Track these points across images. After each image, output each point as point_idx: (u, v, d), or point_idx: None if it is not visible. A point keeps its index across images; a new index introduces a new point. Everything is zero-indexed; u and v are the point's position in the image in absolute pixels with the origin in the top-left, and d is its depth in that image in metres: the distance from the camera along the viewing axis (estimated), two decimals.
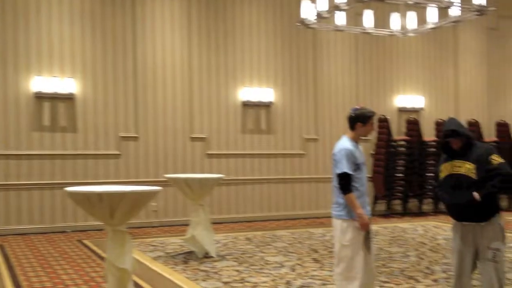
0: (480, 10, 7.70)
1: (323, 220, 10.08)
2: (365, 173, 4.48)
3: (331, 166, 11.26)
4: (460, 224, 4.36)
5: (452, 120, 4.47)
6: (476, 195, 4.12)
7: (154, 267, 6.37)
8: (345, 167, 4.27)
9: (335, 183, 4.39)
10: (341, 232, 4.35)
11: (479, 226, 4.25)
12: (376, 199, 10.82)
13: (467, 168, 4.23)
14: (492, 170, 4.14)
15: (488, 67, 12.51)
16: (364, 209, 4.34)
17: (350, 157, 4.29)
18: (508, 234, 8.43)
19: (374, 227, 4.89)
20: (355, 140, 4.43)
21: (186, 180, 6.94)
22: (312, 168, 10.81)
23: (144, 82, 9.67)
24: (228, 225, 9.66)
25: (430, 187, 10.64)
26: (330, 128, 10.94)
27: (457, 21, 8.36)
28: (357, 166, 4.34)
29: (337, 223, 4.39)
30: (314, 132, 10.89)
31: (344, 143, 4.38)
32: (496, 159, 4.22)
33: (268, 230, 9.16)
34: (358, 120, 4.41)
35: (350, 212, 4.32)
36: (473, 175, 4.18)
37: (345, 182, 4.27)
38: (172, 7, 9.89)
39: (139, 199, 4.33)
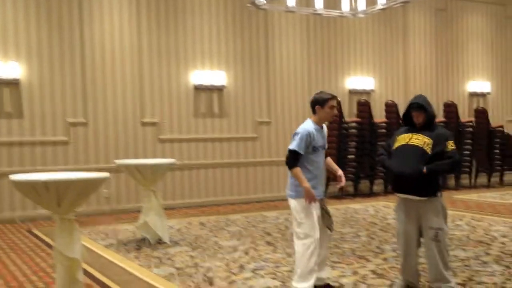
0: None
1: (277, 203, 10.15)
2: (323, 158, 4.55)
3: (284, 148, 11.29)
4: (404, 202, 4.46)
5: (421, 96, 4.60)
6: (430, 166, 4.24)
7: (105, 255, 6.26)
8: (297, 146, 4.36)
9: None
10: (295, 210, 4.46)
11: (421, 203, 4.35)
12: (328, 181, 10.92)
13: (424, 142, 4.34)
14: (446, 153, 4.30)
15: (437, 48, 12.76)
16: (315, 189, 4.39)
17: (307, 138, 4.37)
18: (454, 212, 8.74)
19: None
20: (318, 123, 4.51)
21: (137, 166, 6.82)
22: (265, 151, 10.83)
23: (92, 65, 9.43)
24: (181, 211, 9.59)
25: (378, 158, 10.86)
26: (282, 111, 10.97)
27: (405, 2, 8.48)
28: (314, 149, 4.42)
29: (291, 203, 4.51)
30: (267, 115, 10.89)
31: (307, 124, 4.48)
32: (452, 145, 4.37)
33: (221, 214, 9.15)
34: (317, 103, 4.50)
35: (299, 192, 4.41)
36: (428, 149, 4.30)
37: (292, 159, 4.37)
38: None
39: (87, 187, 4.22)
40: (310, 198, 4.33)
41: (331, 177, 10.82)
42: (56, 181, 4.05)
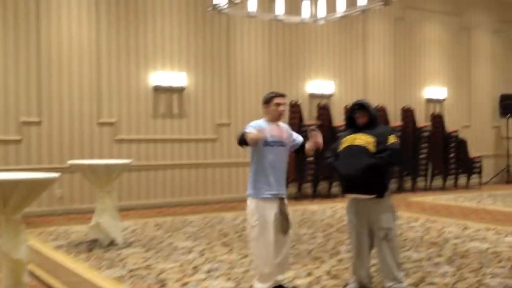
0: (385, 0, 7.91)
1: (235, 204, 10.10)
2: (281, 156, 4.48)
3: (243, 150, 11.25)
4: (354, 202, 4.49)
5: (362, 100, 4.72)
6: (368, 160, 4.32)
7: (55, 257, 6.10)
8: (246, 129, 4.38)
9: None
10: (249, 213, 4.43)
11: (370, 203, 4.38)
12: (287, 182, 10.95)
13: (367, 141, 4.41)
14: (386, 147, 4.38)
15: (395, 55, 12.97)
16: (270, 187, 4.37)
17: (251, 127, 4.39)
18: (409, 214, 8.88)
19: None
20: (270, 121, 4.52)
21: (90, 166, 6.67)
22: (224, 153, 10.77)
23: (48, 63, 9.20)
24: (138, 211, 9.44)
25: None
26: (242, 113, 10.93)
27: (364, 10, 8.56)
28: (265, 143, 4.39)
29: (247, 203, 4.48)
30: (227, 117, 10.84)
31: (253, 122, 4.52)
32: (392, 138, 4.43)
33: (178, 215, 9.04)
34: (264, 102, 4.57)
35: (256, 191, 4.40)
36: (372, 147, 4.38)
37: (240, 135, 4.39)
38: None
39: (35, 187, 4.11)
40: (258, 133, 4.26)
41: (290, 179, 10.94)
42: (2, 181, 3.93)
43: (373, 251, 4.65)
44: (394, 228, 4.43)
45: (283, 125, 4.63)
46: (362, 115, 4.50)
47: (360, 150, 4.38)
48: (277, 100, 4.52)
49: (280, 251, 4.46)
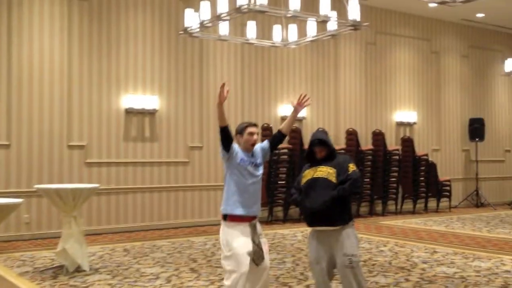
0: (355, 25, 8.04)
1: (206, 228, 10.05)
2: (256, 177, 4.45)
3: (215, 174, 11.24)
4: (317, 232, 4.51)
5: (320, 131, 4.79)
6: (332, 193, 4.31)
7: (18, 283, 5.97)
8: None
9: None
10: (222, 243, 4.34)
11: (334, 233, 4.40)
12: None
13: (328, 172, 4.44)
14: (347, 176, 4.41)
15: (366, 79, 13.16)
16: (248, 208, 4.34)
17: (234, 146, 4.40)
18: (379, 238, 8.92)
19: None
20: (243, 150, 4.50)
21: (57, 190, 6.57)
22: (196, 176, 10.74)
23: (18, 86, 9.12)
24: (107, 236, 9.32)
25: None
26: (214, 136, 10.91)
27: (333, 35, 8.69)
28: (239, 163, 4.38)
29: (221, 232, 4.40)
30: (199, 140, 10.83)
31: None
32: (352, 167, 4.49)
33: (148, 240, 8.95)
34: (237, 133, 4.55)
35: (230, 205, 4.34)
36: (333, 179, 4.41)
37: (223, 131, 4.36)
38: (51, 10, 9.41)
39: None
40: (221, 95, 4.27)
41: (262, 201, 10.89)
42: None
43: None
44: (357, 254, 4.45)
45: (256, 150, 4.63)
46: (321, 150, 4.55)
47: (322, 182, 4.42)
48: (250, 130, 4.50)
49: (255, 282, 4.38)
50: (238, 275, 4.23)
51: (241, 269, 4.23)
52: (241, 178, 4.39)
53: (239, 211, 4.34)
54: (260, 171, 4.51)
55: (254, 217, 4.43)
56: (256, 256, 4.35)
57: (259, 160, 4.53)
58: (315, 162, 4.58)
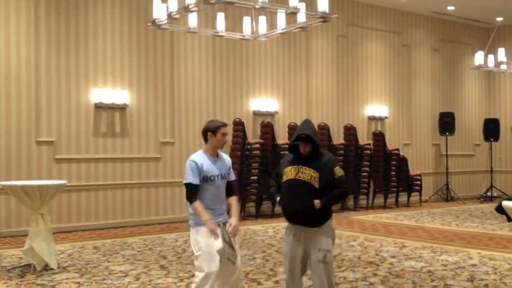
0: (324, 17, 8.05)
1: (178, 225, 10.02)
2: (219, 188, 4.41)
3: None
4: (294, 227, 4.50)
5: (307, 124, 4.59)
6: (317, 202, 4.29)
7: None
8: (190, 178, 4.28)
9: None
10: (193, 242, 4.35)
11: (311, 230, 4.41)
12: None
13: (311, 176, 4.38)
14: (335, 181, 4.39)
15: (338, 73, 13.21)
16: (216, 217, 4.32)
17: (195, 169, 4.29)
18: (349, 233, 8.99)
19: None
20: (210, 152, 4.43)
21: (23, 187, 6.46)
22: (168, 172, 10.68)
23: None
24: (77, 234, 9.21)
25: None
26: (186, 131, 10.89)
27: (303, 27, 8.70)
28: (205, 179, 4.33)
29: (190, 232, 4.39)
30: (170, 136, 10.76)
31: (194, 155, 4.42)
32: (339, 171, 4.46)
33: (118, 237, 8.87)
34: (209, 131, 4.44)
35: (195, 221, 4.33)
36: (316, 183, 4.35)
37: (189, 192, 4.30)
38: (17, 5, 9.22)
39: None
40: (212, 231, 4.23)
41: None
42: None
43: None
44: (332, 250, 4.46)
45: (224, 156, 4.59)
46: (305, 146, 4.43)
47: (303, 186, 4.37)
48: (224, 130, 4.45)
49: (227, 281, 4.39)
50: (207, 273, 4.23)
51: (210, 268, 4.23)
52: (207, 194, 4.35)
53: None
54: (223, 181, 4.46)
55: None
56: (231, 255, 4.34)
57: (223, 171, 4.46)
58: (298, 157, 4.52)
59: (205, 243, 4.26)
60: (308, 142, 4.42)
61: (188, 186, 4.28)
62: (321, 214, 4.40)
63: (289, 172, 4.47)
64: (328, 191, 4.41)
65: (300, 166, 4.43)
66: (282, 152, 11.38)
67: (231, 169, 4.61)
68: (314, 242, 4.42)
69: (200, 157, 4.38)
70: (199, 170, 4.30)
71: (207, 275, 4.23)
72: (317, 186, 4.34)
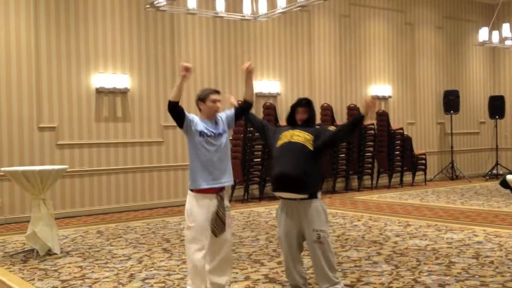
0: None
1: (181, 208, 9.94)
2: (220, 147, 4.41)
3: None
4: (285, 204, 4.47)
5: (306, 98, 4.75)
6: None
7: None
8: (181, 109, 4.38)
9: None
10: (186, 213, 4.35)
11: (302, 205, 4.36)
12: (234, 185, 10.91)
13: (305, 138, 4.40)
14: (338, 128, 4.54)
15: (341, 53, 13.08)
16: (219, 179, 4.31)
17: (191, 118, 4.38)
18: (353, 213, 8.95)
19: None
20: (205, 119, 4.46)
21: (24, 173, 6.44)
22: (170, 156, 10.64)
23: None
24: (80, 219, 9.22)
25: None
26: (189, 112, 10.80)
27: (304, 6, 8.59)
28: (201, 134, 4.35)
29: (187, 199, 4.38)
30: (172, 119, 10.66)
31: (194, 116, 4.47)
32: (333, 127, 4.60)
33: (122, 221, 8.87)
34: (199, 99, 4.51)
35: (196, 183, 4.31)
36: (310, 145, 4.37)
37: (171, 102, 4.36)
38: None
39: None
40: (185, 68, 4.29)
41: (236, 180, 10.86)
42: None
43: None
44: (326, 230, 4.43)
45: (222, 116, 4.59)
46: (304, 111, 4.55)
47: (297, 147, 4.39)
48: (213, 97, 4.46)
49: (217, 253, 4.42)
50: (198, 246, 4.26)
51: (202, 241, 4.27)
52: (203, 151, 4.34)
53: (205, 185, 4.31)
54: (223, 139, 4.46)
55: (222, 188, 4.40)
56: (217, 227, 4.35)
57: (221, 129, 4.48)
58: (293, 125, 4.58)
59: (199, 217, 4.26)
60: (307, 107, 4.56)
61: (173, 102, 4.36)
62: (310, 180, 4.36)
63: (284, 137, 4.50)
64: (323, 154, 4.51)
65: (294, 130, 4.50)
66: (278, 125, 11.27)
67: (228, 112, 4.67)
68: (307, 222, 4.38)
69: (197, 117, 4.46)
70: (190, 119, 4.37)
71: (198, 248, 4.26)
72: (311, 148, 4.36)
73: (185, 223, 4.40)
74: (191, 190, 4.38)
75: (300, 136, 4.42)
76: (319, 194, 4.46)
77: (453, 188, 12.67)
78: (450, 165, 14.67)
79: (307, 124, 4.55)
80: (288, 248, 4.51)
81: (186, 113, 4.39)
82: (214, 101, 4.46)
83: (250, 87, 4.73)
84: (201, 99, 4.49)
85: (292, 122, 4.63)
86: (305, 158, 4.34)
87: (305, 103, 4.57)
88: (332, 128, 4.59)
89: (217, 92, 4.54)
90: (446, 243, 6.68)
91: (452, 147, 14.62)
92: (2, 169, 6.86)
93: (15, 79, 9.13)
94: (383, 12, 13.90)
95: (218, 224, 4.36)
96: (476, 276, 5.14)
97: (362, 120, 4.41)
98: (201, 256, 4.28)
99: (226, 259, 4.53)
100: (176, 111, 4.33)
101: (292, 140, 4.42)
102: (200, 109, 4.52)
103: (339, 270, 5.38)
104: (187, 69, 4.28)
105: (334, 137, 4.49)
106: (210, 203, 4.32)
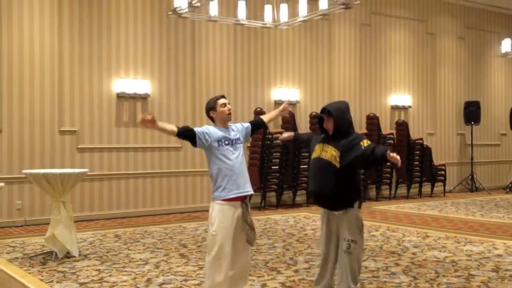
0: (346, 4, 7.94)
1: (198, 214, 10.03)
2: (239, 155, 4.43)
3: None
4: (326, 212, 4.41)
5: (337, 103, 4.49)
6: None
7: (6, 270, 5.94)
8: (195, 129, 4.34)
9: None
10: (211, 221, 4.32)
11: (338, 215, 4.31)
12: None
13: (332, 154, 4.22)
14: (364, 151, 4.13)
15: (361, 62, 13.05)
16: (235, 185, 4.31)
17: (205, 130, 4.34)
18: (371, 223, 8.90)
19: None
20: (219, 126, 4.46)
21: (45, 175, 6.52)
22: (188, 162, 10.69)
23: (9, 71, 9.01)
24: (99, 222, 9.29)
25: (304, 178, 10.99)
26: (207, 121, 10.71)
27: (325, 14, 8.59)
28: (219, 143, 4.34)
29: (211, 207, 4.37)
30: (191, 124, 10.64)
31: (208, 127, 4.45)
32: (367, 142, 4.22)
33: (140, 226, 8.92)
34: (210, 109, 4.50)
35: (222, 194, 4.30)
36: (336, 163, 4.18)
37: (183, 130, 4.35)
38: None
39: None
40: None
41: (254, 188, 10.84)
42: None
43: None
44: (358, 240, 4.29)
45: (237, 125, 4.62)
46: (327, 120, 4.30)
47: (325, 165, 4.25)
48: (221, 101, 4.48)
49: (238, 261, 4.39)
50: (220, 254, 4.23)
51: (224, 249, 4.23)
52: (225, 160, 4.33)
53: (232, 194, 4.31)
54: (241, 147, 4.48)
55: (246, 196, 4.41)
56: (250, 236, 4.38)
57: (238, 136, 4.49)
58: (326, 135, 4.37)
59: (223, 225, 4.24)
60: (329, 117, 4.29)
61: (185, 128, 4.37)
62: (344, 197, 4.26)
63: (317, 149, 4.36)
64: (355, 172, 4.27)
65: (325, 144, 4.30)
66: (313, 135, 11.26)
67: (245, 125, 4.71)
68: (342, 231, 4.31)
69: (212, 127, 4.44)
70: (203, 133, 4.33)
71: (220, 256, 4.22)
72: (337, 166, 4.17)
73: (209, 231, 4.36)
74: (216, 199, 4.37)
75: (327, 152, 4.25)
76: (355, 205, 4.31)
77: (472, 200, 12.53)
78: (470, 176, 14.51)
79: (338, 134, 4.29)
80: (325, 252, 4.44)
81: (196, 129, 4.36)
82: (223, 104, 4.48)
83: (273, 117, 4.94)
84: (211, 108, 4.49)
85: (322, 131, 4.46)
86: (334, 176, 4.20)
87: (326, 112, 4.31)
88: (364, 143, 4.18)
89: (223, 96, 4.58)
90: (465, 255, 6.60)
91: (472, 159, 14.47)
92: (24, 171, 6.95)
93: (38, 82, 9.25)
94: (404, 22, 13.85)
95: (249, 231, 4.39)
96: None
97: (383, 162, 4.25)
98: (223, 265, 4.25)
99: (246, 266, 4.52)
100: (183, 137, 4.38)
101: (321, 156, 4.28)
102: (213, 120, 4.50)
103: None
104: (144, 123, 4.25)
105: (357, 160, 4.18)
106: (235, 212, 4.32)
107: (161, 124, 4.30)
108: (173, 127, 4.33)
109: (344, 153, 4.19)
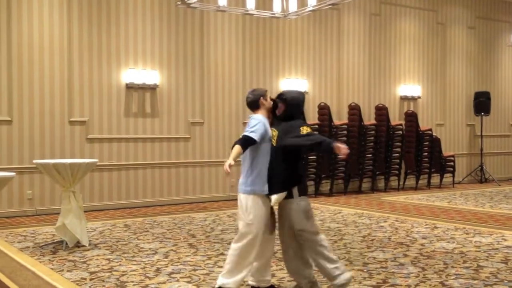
0: None
1: (207, 205, 10.07)
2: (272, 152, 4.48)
3: (216, 150, 11.18)
4: (280, 204, 4.48)
5: (295, 92, 4.65)
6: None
7: (18, 259, 6.00)
8: (255, 135, 4.26)
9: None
10: (245, 211, 4.36)
11: (286, 203, 4.37)
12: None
13: (273, 135, 4.40)
14: (299, 134, 4.27)
15: (370, 52, 12.98)
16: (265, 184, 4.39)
17: (262, 127, 4.32)
18: (379, 214, 8.87)
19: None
20: (265, 116, 4.50)
21: (55, 165, 6.56)
22: (197, 152, 10.72)
23: (19, 62, 9.06)
24: (108, 212, 9.36)
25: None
26: (216, 112, 10.88)
27: (334, 4, 8.56)
28: (269, 139, 4.39)
29: (243, 200, 4.38)
30: (200, 116, 10.77)
31: (260, 116, 4.42)
32: (306, 129, 4.31)
33: (149, 216, 8.97)
34: (261, 95, 4.52)
35: (261, 188, 4.34)
36: (274, 142, 4.35)
37: (245, 144, 4.25)
38: None
39: None
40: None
41: None
42: None
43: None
44: (307, 228, 4.38)
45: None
46: (281, 106, 4.45)
47: (272, 148, 4.40)
48: (267, 94, 4.59)
49: (267, 248, 4.52)
50: (253, 242, 4.32)
51: (257, 237, 4.33)
52: (268, 156, 4.39)
53: (267, 188, 4.38)
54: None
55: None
56: (272, 224, 4.53)
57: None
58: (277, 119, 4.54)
59: (258, 213, 4.32)
60: (282, 103, 4.42)
61: (249, 139, 4.25)
62: (278, 178, 4.32)
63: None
64: (295, 157, 4.35)
65: (271, 128, 4.45)
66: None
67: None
68: (290, 222, 4.38)
69: (264, 119, 4.43)
70: (265, 130, 4.35)
71: (252, 243, 4.30)
72: (274, 145, 4.33)
73: (241, 221, 4.40)
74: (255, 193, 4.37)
75: (273, 135, 4.40)
76: (295, 191, 4.36)
77: (482, 191, 12.48)
78: (479, 167, 14.45)
79: (284, 118, 4.42)
80: (282, 244, 4.63)
81: (262, 127, 4.32)
82: (271, 99, 4.59)
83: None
84: (263, 95, 4.52)
85: (274, 115, 4.55)
86: (272, 155, 4.34)
87: (277, 97, 4.51)
88: (304, 129, 4.28)
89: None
90: (474, 246, 6.59)
91: (481, 150, 14.40)
92: (34, 161, 7.00)
93: (48, 73, 9.29)
94: (414, 11, 13.75)
95: (272, 222, 4.53)
96: (505, 281, 5.06)
97: (329, 151, 4.33)
98: (255, 251, 4.36)
99: (271, 257, 4.68)
100: (250, 143, 4.32)
101: (270, 139, 4.42)
102: (258, 107, 4.50)
103: (365, 270, 5.38)
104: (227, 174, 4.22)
105: (291, 145, 4.29)
106: (268, 202, 4.40)
107: (233, 157, 4.19)
108: (238, 150, 4.24)
109: (282, 134, 4.33)
